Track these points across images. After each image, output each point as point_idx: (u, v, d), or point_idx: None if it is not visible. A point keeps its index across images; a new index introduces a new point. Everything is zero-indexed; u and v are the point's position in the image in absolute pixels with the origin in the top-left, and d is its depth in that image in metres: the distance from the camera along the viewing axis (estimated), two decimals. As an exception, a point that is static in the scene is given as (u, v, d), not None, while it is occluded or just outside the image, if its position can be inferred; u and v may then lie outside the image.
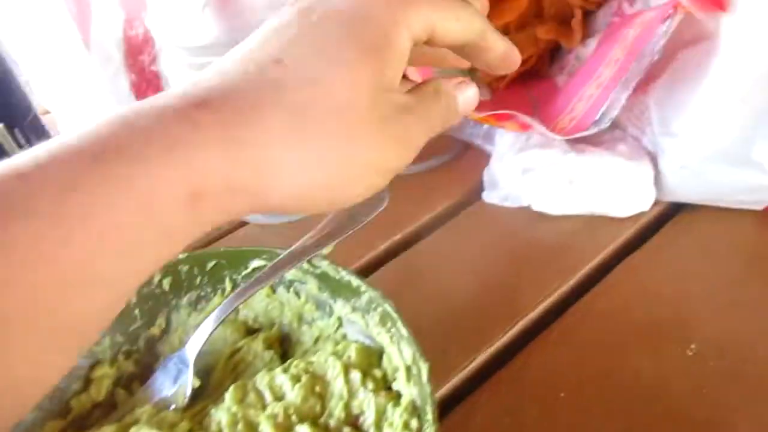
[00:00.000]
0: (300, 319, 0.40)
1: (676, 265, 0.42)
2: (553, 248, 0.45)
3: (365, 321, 0.36)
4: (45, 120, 0.51)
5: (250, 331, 0.40)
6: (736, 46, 0.39)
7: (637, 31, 0.43)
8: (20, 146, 0.42)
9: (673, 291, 0.40)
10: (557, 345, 0.38)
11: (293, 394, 0.34)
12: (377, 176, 0.25)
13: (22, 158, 0.18)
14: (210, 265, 0.40)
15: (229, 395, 0.35)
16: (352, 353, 0.35)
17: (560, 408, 0.35)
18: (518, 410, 0.35)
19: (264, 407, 0.34)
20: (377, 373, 0.35)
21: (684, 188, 0.44)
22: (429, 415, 0.29)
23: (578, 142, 0.47)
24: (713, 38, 0.40)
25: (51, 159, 0.18)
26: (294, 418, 0.33)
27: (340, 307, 0.38)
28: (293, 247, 0.37)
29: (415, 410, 0.32)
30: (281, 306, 0.40)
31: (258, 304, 0.41)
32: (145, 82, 0.57)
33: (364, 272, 0.46)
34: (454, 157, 0.54)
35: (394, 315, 0.34)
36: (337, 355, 0.35)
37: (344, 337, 0.38)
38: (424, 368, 0.31)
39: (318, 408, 0.34)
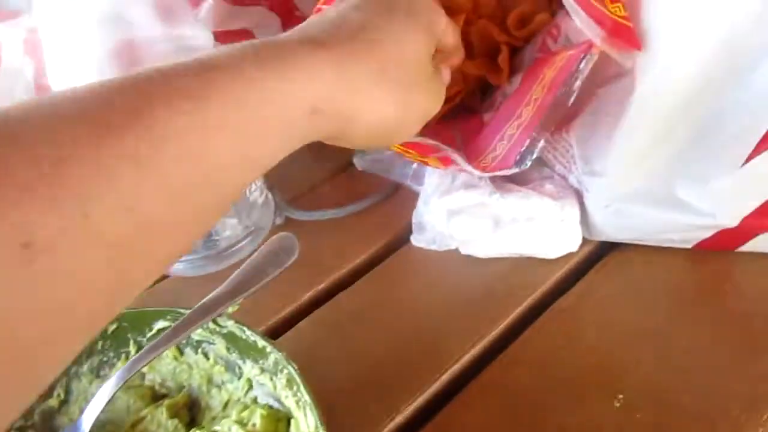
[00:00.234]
0: (210, 381, 0.37)
1: (604, 310, 0.41)
2: (480, 293, 0.43)
3: (273, 383, 0.34)
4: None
5: (157, 397, 0.38)
6: (652, 84, 0.38)
7: (555, 71, 0.42)
8: None
9: (600, 336, 0.39)
10: (481, 399, 0.37)
11: (193, 469, 0.32)
12: (422, 119, 0.34)
13: (184, 67, 0.22)
14: (111, 328, 0.37)
15: (124, 472, 0.32)
16: (257, 420, 0.33)
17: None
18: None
19: (162, 484, 0.32)
20: (284, 439, 0.33)
21: (611, 228, 0.43)
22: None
23: (505, 182, 0.46)
24: (631, 76, 0.40)
25: (210, 66, 0.23)
26: (193, 494, 0.31)
27: (249, 369, 0.36)
28: (197, 305, 0.35)
29: (319, 480, 0.30)
30: (189, 368, 0.38)
31: (165, 368, 0.38)
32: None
33: (286, 325, 0.43)
34: (384, 199, 0.53)
35: (298, 379, 0.32)
36: (242, 423, 0.33)
37: (254, 400, 0.36)
38: (325, 437, 0.29)
39: (218, 482, 0.31)
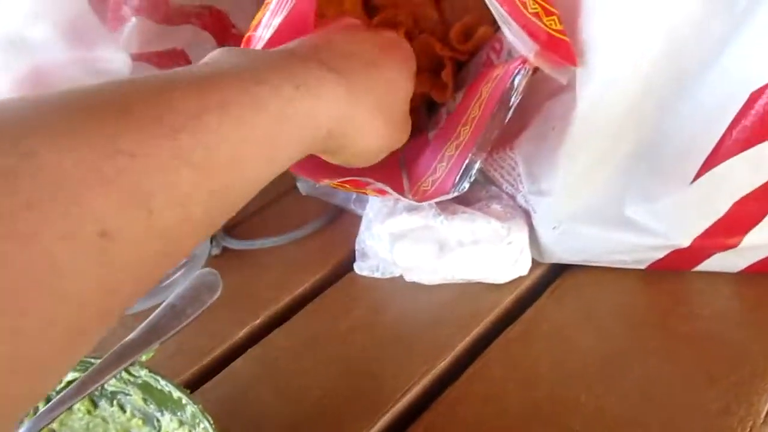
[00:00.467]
0: (127, 436, 0.34)
1: (554, 338, 0.38)
2: (425, 324, 0.40)
3: (192, 438, 0.31)
4: None
5: (69, 456, 0.34)
6: (592, 99, 0.36)
7: (491, 88, 0.40)
8: None
9: (551, 369, 0.36)
10: (424, 442, 0.34)
11: None
12: (390, 150, 0.38)
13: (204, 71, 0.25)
14: (16, 381, 0.34)
15: None
16: (173, 481, 0.30)
17: None
18: None
19: None
20: (202, 502, 0.29)
21: (560, 249, 0.41)
22: None
23: (450, 204, 0.43)
24: (571, 90, 0.38)
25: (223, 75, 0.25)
26: None
27: (168, 422, 0.32)
28: (109, 353, 0.32)
29: None
30: (104, 423, 0.34)
31: (77, 422, 0.35)
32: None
33: (220, 365, 0.40)
34: (327, 224, 0.50)
35: (214, 435, 0.28)
36: (156, 484, 0.30)
37: (174, 456, 0.32)
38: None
39: None
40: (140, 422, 0.34)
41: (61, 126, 0.19)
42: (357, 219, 0.48)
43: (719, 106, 0.33)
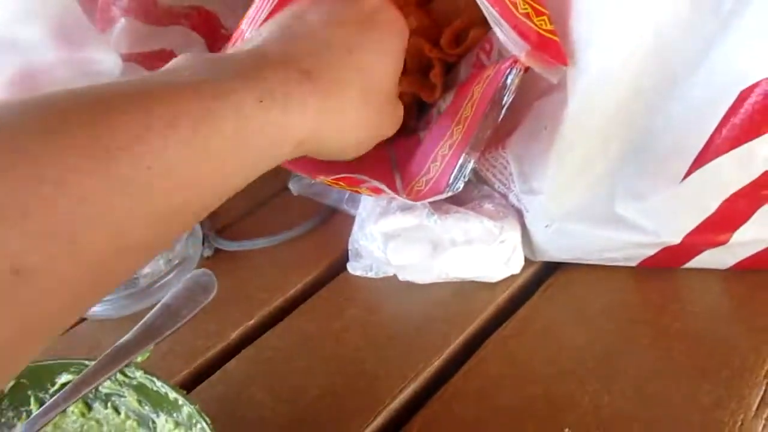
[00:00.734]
0: (122, 439, 0.34)
1: (548, 335, 0.38)
2: (419, 323, 0.41)
3: (189, 439, 0.31)
4: None
5: (63, 460, 0.34)
6: (583, 98, 0.36)
7: (482, 88, 0.40)
8: None
9: (545, 365, 0.37)
10: (422, 438, 0.34)
11: None
12: (379, 139, 0.36)
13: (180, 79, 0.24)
14: (9, 386, 0.34)
15: None
16: (170, 481, 0.30)
17: None
18: None
19: None
20: (201, 503, 0.29)
21: (552, 248, 0.41)
22: None
23: (443, 203, 0.44)
24: (562, 90, 0.38)
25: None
26: None
27: (163, 423, 0.32)
28: (103, 355, 0.32)
29: None
30: (99, 425, 0.34)
31: (71, 426, 0.34)
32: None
33: (213, 366, 0.40)
34: (319, 224, 0.50)
35: (211, 435, 0.28)
36: (153, 485, 0.30)
37: (171, 457, 0.32)
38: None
39: None
40: (135, 424, 0.34)
41: None
42: (350, 219, 0.49)
43: (708, 106, 0.33)
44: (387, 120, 0.36)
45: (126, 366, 0.31)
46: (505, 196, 0.44)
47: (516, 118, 0.42)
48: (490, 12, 0.36)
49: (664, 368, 0.35)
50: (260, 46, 0.29)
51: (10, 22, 0.36)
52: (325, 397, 0.37)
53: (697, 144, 0.34)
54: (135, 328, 0.33)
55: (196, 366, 0.41)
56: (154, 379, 0.31)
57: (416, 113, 0.56)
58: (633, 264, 0.41)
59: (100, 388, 0.33)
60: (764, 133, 0.32)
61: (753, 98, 0.31)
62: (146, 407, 0.33)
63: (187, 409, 0.30)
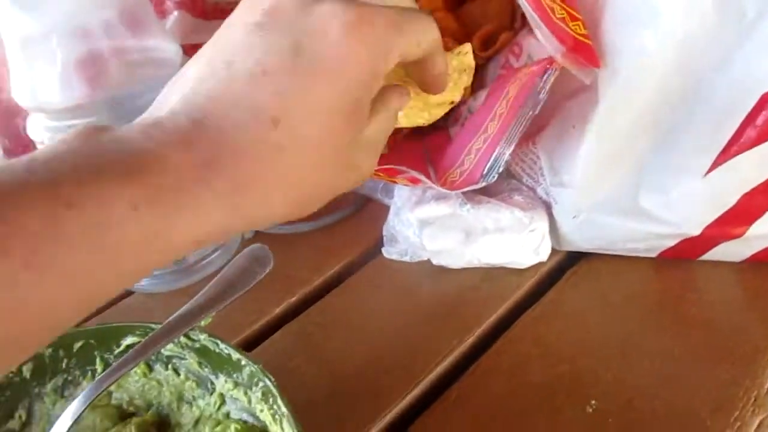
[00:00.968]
0: (180, 398, 0.36)
1: (573, 318, 0.41)
2: (452, 304, 0.43)
3: (248, 397, 0.34)
4: None
5: (124, 416, 0.37)
6: (613, 98, 0.39)
7: (518, 87, 0.43)
8: None
9: (571, 345, 0.39)
10: (456, 409, 0.37)
11: (165, 487, 0.31)
12: (331, 196, 0.29)
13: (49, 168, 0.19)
14: (77, 346, 0.36)
15: (91, 494, 0.31)
16: (232, 435, 0.32)
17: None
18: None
19: (131, 504, 0.31)
20: (260, 455, 0.32)
21: (578, 238, 0.44)
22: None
23: (475, 194, 0.46)
24: (593, 89, 0.41)
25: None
26: None
27: (222, 384, 0.35)
28: (169, 319, 0.34)
29: (297, 495, 0.29)
30: (159, 385, 0.37)
31: (133, 385, 0.37)
32: (21, 146, 0.53)
33: (257, 339, 0.43)
34: (354, 212, 0.53)
35: (275, 391, 0.31)
36: (216, 438, 0.32)
37: (227, 416, 0.35)
38: (304, 449, 0.28)
39: (192, 500, 0.31)
40: (194, 384, 0.36)
41: None
42: (383, 207, 0.51)
43: (731, 107, 0.36)
44: (340, 182, 0.28)
45: (190, 330, 0.34)
46: (532, 189, 0.47)
47: (545, 117, 0.45)
48: (531, 15, 0.38)
49: (683, 351, 0.38)
50: (160, 121, 0.23)
51: (84, 9, 0.39)
52: (365, 369, 0.40)
53: (720, 142, 0.37)
54: (198, 295, 0.35)
55: (241, 339, 0.43)
56: (218, 342, 0.34)
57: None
58: (653, 255, 0.44)
59: (162, 350, 0.36)
60: (784, 132, 0.35)
61: (774, 100, 0.34)
62: (206, 369, 0.35)
63: (249, 369, 0.33)
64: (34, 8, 0.38)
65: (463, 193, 0.46)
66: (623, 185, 0.41)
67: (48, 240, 0.18)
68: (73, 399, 0.36)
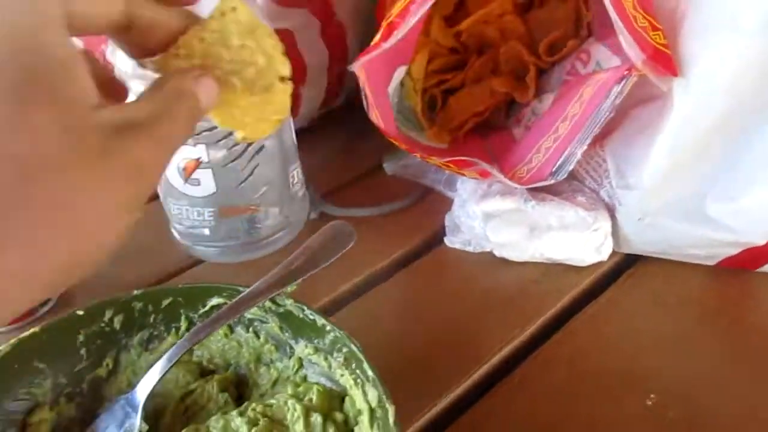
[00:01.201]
0: (258, 360, 0.38)
1: (632, 317, 0.43)
2: (513, 294, 0.45)
3: (328, 362, 0.35)
4: None
5: (204, 373, 0.38)
6: (688, 106, 0.41)
7: (593, 90, 0.45)
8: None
9: (630, 342, 0.41)
10: (518, 392, 0.38)
11: (250, 439, 0.32)
12: (118, 220, 0.20)
13: None
14: (165, 302, 0.38)
15: (181, 440, 0.33)
16: (313, 396, 0.34)
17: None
18: (481, 458, 0.35)
19: (218, 452, 0.33)
20: (339, 416, 0.34)
21: (640, 240, 0.46)
22: (396, 460, 0.28)
23: (538, 192, 0.48)
24: (666, 98, 0.42)
25: None
26: (251, 463, 0.32)
27: (302, 348, 0.37)
28: (258, 283, 0.36)
29: (379, 455, 0.31)
30: (239, 346, 0.39)
31: (214, 344, 0.39)
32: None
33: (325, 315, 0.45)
34: (415, 202, 0.55)
35: (360, 356, 0.33)
36: (297, 397, 0.34)
37: (304, 379, 0.37)
38: (391, 410, 0.30)
39: (276, 453, 0.32)
40: (273, 348, 0.38)
41: None
42: (444, 199, 0.53)
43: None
44: (105, 190, 0.19)
45: (277, 295, 0.36)
46: (594, 191, 0.49)
47: (613, 122, 0.47)
48: (616, 22, 0.40)
49: (738, 354, 0.40)
50: None
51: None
52: (429, 349, 0.41)
53: (791, 156, 0.38)
54: (283, 263, 0.37)
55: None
56: (304, 308, 0.36)
57: (505, 110, 0.61)
58: (712, 263, 0.45)
59: (245, 313, 0.37)
60: None
61: None
62: (286, 333, 0.37)
63: (333, 334, 0.35)
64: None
65: (528, 190, 0.48)
66: (691, 191, 0.42)
67: None
68: (157, 353, 0.38)
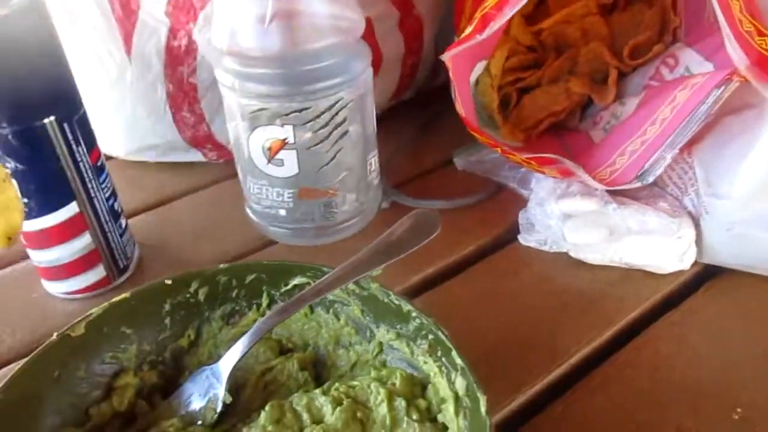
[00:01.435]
0: (337, 342, 0.38)
1: (715, 328, 0.42)
2: (591, 296, 0.44)
3: (410, 349, 0.35)
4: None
5: (283, 351, 0.39)
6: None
7: (689, 93, 0.44)
8: (67, 141, 0.41)
9: (714, 353, 0.40)
10: (597, 394, 0.38)
11: (333, 418, 0.32)
12: None
13: None
14: (249, 278, 0.38)
15: (264, 414, 0.33)
16: (397, 380, 0.34)
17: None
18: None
19: (301, 429, 0.33)
20: (421, 403, 0.33)
21: (725, 251, 0.44)
22: (487, 450, 0.28)
23: (619, 195, 0.47)
24: (762, 107, 0.41)
25: None
26: (334, 442, 0.32)
27: (383, 333, 0.37)
28: (341, 266, 0.36)
29: (464, 445, 0.31)
30: (318, 327, 0.39)
31: (294, 324, 0.39)
32: (182, 93, 0.56)
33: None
34: (487, 198, 0.54)
35: (448, 344, 0.33)
36: (381, 381, 0.34)
37: (384, 364, 0.37)
38: (482, 400, 0.30)
39: (359, 435, 0.32)
40: (352, 331, 0.38)
41: None
42: (515, 196, 0.53)
43: None
44: None
45: (362, 278, 0.36)
46: (677, 199, 0.48)
47: (703, 130, 0.46)
48: (722, 24, 0.39)
49: (829, 374, 0.38)
50: None
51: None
52: (505, 345, 0.41)
53: None
54: (368, 247, 0.37)
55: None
56: (390, 293, 0.36)
57: (580, 113, 0.60)
58: (801, 279, 0.44)
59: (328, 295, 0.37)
60: None
61: None
62: (368, 318, 0.37)
63: (418, 321, 0.34)
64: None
65: (608, 192, 0.47)
66: (785, 204, 0.41)
67: None
68: (237, 328, 0.39)
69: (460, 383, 0.32)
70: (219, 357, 0.36)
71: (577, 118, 0.60)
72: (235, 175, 0.50)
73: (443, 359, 0.33)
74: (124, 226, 0.47)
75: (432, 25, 0.65)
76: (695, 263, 0.46)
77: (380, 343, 0.37)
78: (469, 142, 0.57)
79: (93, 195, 0.43)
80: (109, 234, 0.45)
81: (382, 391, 0.33)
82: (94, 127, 0.44)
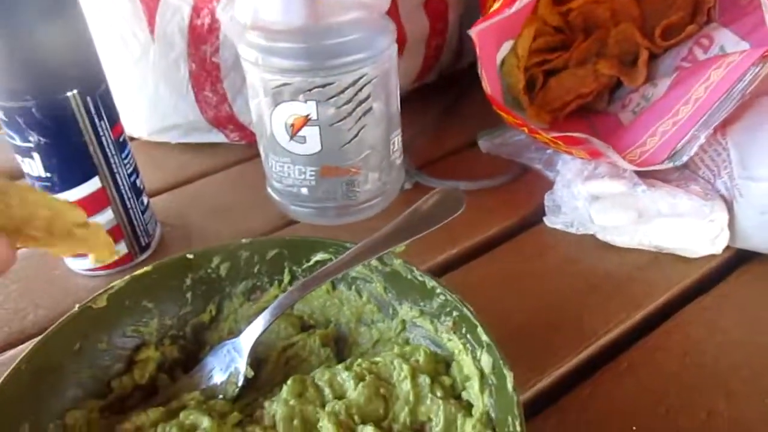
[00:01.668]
0: (359, 319, 0.38)
1: (748, 313, 0.40)
2: (619, 279, 0.43)
3: (434, 326, 0.35)
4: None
5: (303, 327, 0.38)
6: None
7: (723, 72, 0.42)
8: (90, 115, 0.40)
9: (746, 338, 0.39)
10: (626, 377, 0.37)
11: (356, 394, 0.32)
12: None
13: None
14: (271, 254, 0.38)
15: (286, 389, 0.32)
16: (421, 357, 0.33)
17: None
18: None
19: (323, 404, 0.32)
20: (445, 380, 0.33)
21: (759, 236, 0.43)
22: (513, 427, 0.27)
23: (648, 177, 0.46)
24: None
25: None
26: (356, 417, 0.31)
27: (406, 310, 0.36)
28: (363, 241, 0.36)
29: (489, 422, 0.30)
30: (340, 304, 0.38)
31: (316, 301, 0.39)
32: (205, 72, 0.56)
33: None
34: (512, 180, 0.53)
35: (474, 321, 0.32)
36: (404, 357, 0.33)
37: (407, 341, 0.36)
38: (509, 377, 0.29)
39: (381, 410, 0.32)
40: (375, 308, 0.37)
41: None
42: (541, 178, 0.52)
43: None
44: None
45: (385, 254, 0.35)
46: (708, 182, 0.46)
47: (736, 110, 0.44)
48: (764, 1, 0.38)
49: None
50: None
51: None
52: (532, 326, 0.40)
53: None
54: (392, 223, 0.37)
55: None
56: (413, 269, 0.35)
57: (609, 95, 0.59)
58: (838, 264, 0.42)
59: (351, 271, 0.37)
60: None
61: None
62: (390, 294, 0.37)
63: (444, 297, 0.34)
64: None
65: (637, 174, 0.46)
66: (823, 186, 0.40)
67: None
68: (258, 303, 0.38)
69: (485, 360, 0.31)
70: (240, 333, 0.35)
71: (605, 101, 0.59)
72: (257, 156, 0.50)
73: (468, 336, 0.32)
74: (146, 203, 0.47)
75: (457, 7, 0.64)
76: (727, 248, 0.45)
77: (403, 321, 0.36)
78: (493, 125, 0.57)
79: (115, 170, 0.43)
80: (131, 210, 0.45)
81: (405, 367, 0.32)
82: (118, 108, 0.44)
